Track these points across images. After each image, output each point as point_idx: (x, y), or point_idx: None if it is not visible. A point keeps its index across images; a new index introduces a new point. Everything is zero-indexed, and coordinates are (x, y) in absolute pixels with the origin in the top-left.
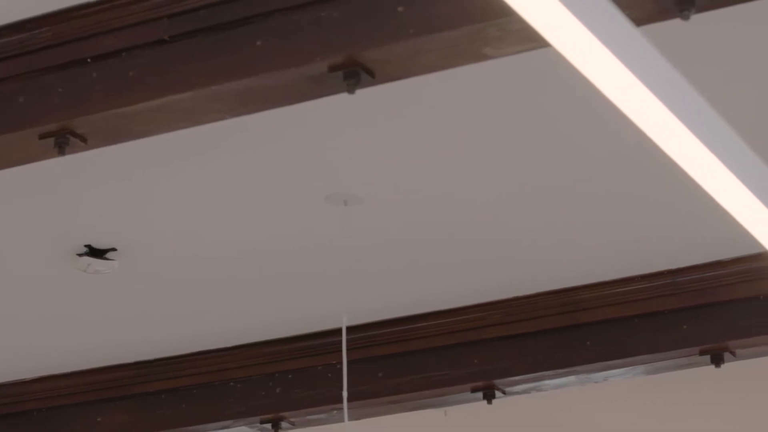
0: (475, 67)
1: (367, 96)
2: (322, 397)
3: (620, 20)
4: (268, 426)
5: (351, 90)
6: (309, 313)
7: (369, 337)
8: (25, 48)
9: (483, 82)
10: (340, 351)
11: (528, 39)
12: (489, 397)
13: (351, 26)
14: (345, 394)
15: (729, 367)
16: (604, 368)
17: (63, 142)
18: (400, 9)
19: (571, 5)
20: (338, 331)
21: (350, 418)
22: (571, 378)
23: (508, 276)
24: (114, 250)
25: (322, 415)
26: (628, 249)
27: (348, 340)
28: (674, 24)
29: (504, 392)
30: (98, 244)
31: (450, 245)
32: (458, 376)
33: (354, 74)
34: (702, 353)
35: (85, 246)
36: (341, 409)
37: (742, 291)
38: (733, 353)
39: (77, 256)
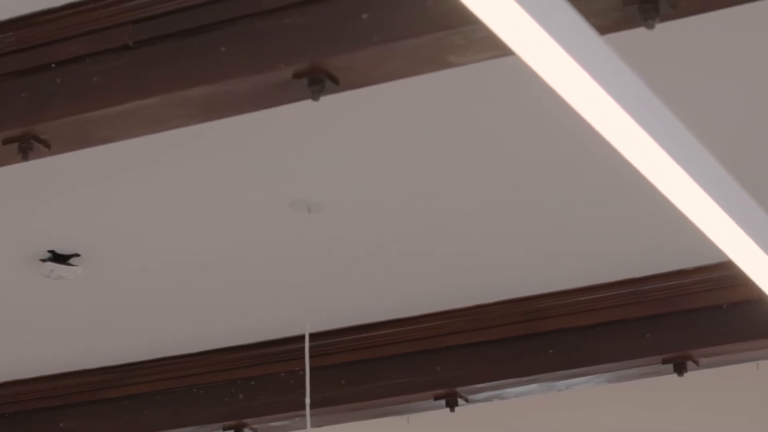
0: (436, 77)
1: (332, 103)
2: (285, 403)
3: (585, 28)
4: None
5: (315, 97)
6: (272, 319)
7: (332, 344)
8: None
9: (445, 93)
10: (303, 358)
11: (492, 47)
12: (451, 404)
13: (315, 33)
14: (308, 401)
15: (692, 375)
16: (566, 376)
17: (26, 147)
18: (364, 16)
19: (535, 13)
20: (301, 338)
21: (313, 425)
22: (534, 386)
23: (470, 284)
24: (77, 255)
25: (284, 422)
26: (591, 258)
27: (311, 347)
28: (640, 32)
29: (466, 400)
30: (61, 250)
31: (413, 253)
32: (421, 384)
33: (318, 81)
34: (665, 362)
35: (49, 251)
36: (304, 416)
37: (706, 300)
38: (696, 362)
39: (40, 262)
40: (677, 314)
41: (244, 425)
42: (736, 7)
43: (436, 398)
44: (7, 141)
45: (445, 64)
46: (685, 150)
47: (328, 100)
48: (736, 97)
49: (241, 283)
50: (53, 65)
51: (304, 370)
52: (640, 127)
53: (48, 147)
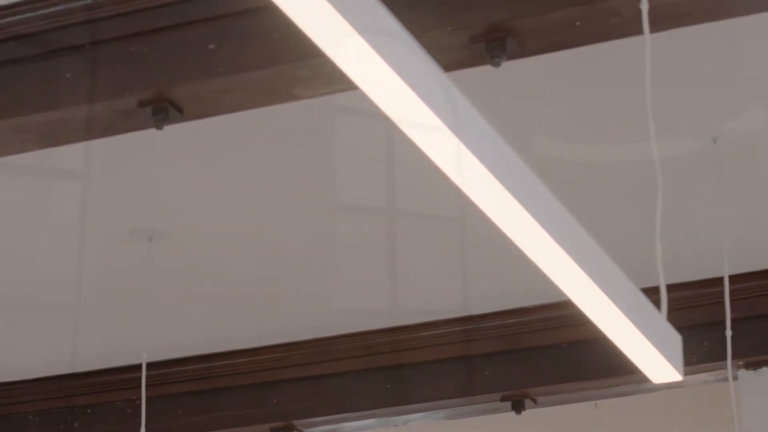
0: (281, 109)
1: (175, 132)
2: None
3: (429, 65)
4: None
5: (159, 126)
6: (109, 348)
7: (169, 374)
8: None
9: (286, 125)
10: (140, 387)
11: (337, 81)
12: None
13: (161, 62)
14: (143, 430)
15: (530, 413)
16: (404, 411)
17: None
18: (211, 47)
19: (378, 47)
20: (138, 366)
21: None
22: (372, 421)
23: (309, 317)
24: None
25: None
26: (432, 294)
27: (148, 377)
28: (487, 70)
29: None
30: None
31: (252, 284)
32: (258, 416)
33: (162, 110)
34: (503, 399)
35: None
36: None
37: (545, 338)
38: (534, 400)
39: None
40: (517, 352)
41: None
42: (583, 47)
43: (273, 431)
44: None
45: (290, 97)
46: (525, 188)
47: (171, 129)
48: (581, 134)
49: (79, 311)
50: None
51: (140, 399)
52: (483, 165)
53: None
